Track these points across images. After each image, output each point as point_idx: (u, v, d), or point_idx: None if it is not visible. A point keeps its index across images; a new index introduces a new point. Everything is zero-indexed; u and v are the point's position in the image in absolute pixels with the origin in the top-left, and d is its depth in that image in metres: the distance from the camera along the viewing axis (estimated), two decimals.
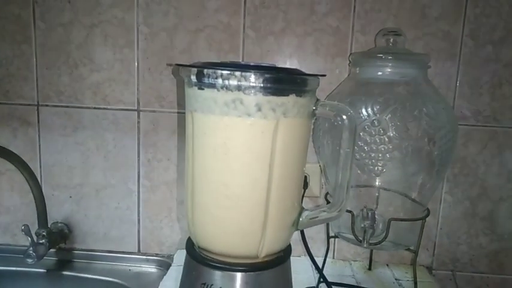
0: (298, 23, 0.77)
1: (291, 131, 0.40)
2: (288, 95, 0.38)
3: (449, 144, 0.61)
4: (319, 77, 0.43)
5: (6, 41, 0.81)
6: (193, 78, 0.39)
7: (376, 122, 0.59)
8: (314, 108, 0.42)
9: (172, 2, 0.78)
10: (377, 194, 0.66)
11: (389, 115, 0.58)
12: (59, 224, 0.87)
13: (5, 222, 0.88)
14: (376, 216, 0.61)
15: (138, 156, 0.83)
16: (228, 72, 0.37)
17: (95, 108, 0.82)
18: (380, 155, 0.59)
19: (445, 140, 0.60)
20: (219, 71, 0.37)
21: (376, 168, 0.60)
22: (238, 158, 0.39)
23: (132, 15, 0.79)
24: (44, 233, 0.80)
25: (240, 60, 0.79)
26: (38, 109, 0.83)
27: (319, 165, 0.77)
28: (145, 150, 0.83)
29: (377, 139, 0.58)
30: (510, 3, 0.75)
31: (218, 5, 0.77)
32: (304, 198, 0.77)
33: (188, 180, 0.43)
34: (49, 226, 0.84)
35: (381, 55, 0.63)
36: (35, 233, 0.80)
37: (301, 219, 0.44)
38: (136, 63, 0.80)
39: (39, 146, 0.84)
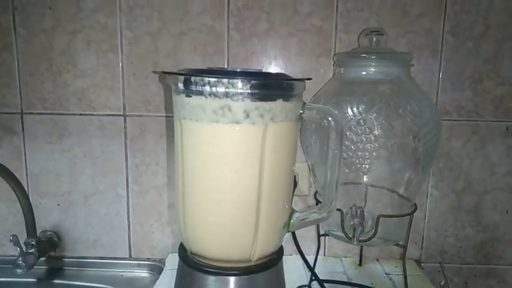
0: (281, 24, 0.78)
1: (280, 135, 0.40)
2: (275, 100, 0.39)
3: (434, 140, 0.62)
4: (306, 80, 0.43)
5: None
6: (181, 86, 0.39)
7: (361, 121, 0.60)
8: (301, 111, 0.42)
9: (156, 6, 0.77)
10: (365, 191, 0.67)
11: (375, 114, 0.59)
12: (48, 232, 0.86)
13: None
14: (365, 214, 0.62)
15: (126, 161, 0.83)
16: (216, 79, 0.37)
17: (80, 114, 0.81)
18: (367, 153, 0.60)
19: (430, 136, 0.61)
20: (207, 79, 0.37)
21: (363, 166, 0.61)
22: (228, 164, 0.39)
23: (115, 20, 0.78)
24: (33, 242, 0.79)
25: (225, 62, 0.79)
26: (22, 117, 0.82)
27: (308, 165, 0.78)
28: (133, 155, 0.83)
29: (363, 138, 0.59)
30: (488, 0, 0.76)
31: (202, 8, 0.77)
32: (294, 197, 0.78)
33: (179, 186, 0.43)
34: (38, 235, 0.84)
35: (364, 55, 0.63)
36: (24, 243, 0.79)
37: (292, 221, 0.45)
38: (120, 68, 0.80)
39: (25, 154, 0.83)
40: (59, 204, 0.85)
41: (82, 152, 0.83)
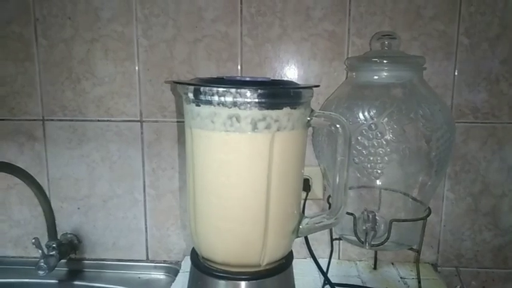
0: (294, 29, 0.78)
1: (287, 143, 0.41)
2: (282, 109, 0.40)
3: (447, 144, 0.62)
4: (313, 87, 0.44)
5: (9, 59, 0.83)
6: (191, 95, 0.41)
7: (373, 126, 0.60)
8: (309, 119, 0.43)
9: (171, 14, 0.79)
10: (379, 195, 0.67)
11: (386, 118, 0.59)
12: (69, 235, 0.89)
13: (16, 235, 0.90)
14: (377, 218, 0.62)
15: (143, 166, 0.85)
16: (224, 89, 0.38)
17: (98, 120, 0.84)
18: (378, 158, 0.60)
19: (442, 140, 0.60)
20: (215, 89, 0.39)
21: (375, 171, 0.61)
22: (237, 172, 0.40)
23: (132, 29, 0.80)
24: (54, 245, 0.82)
25: (239, 68, 0.80)
26: (43, 124, 0.85)
27: (320, 168, 0.78)
28: (150, 160, 0.84)
29: (375, 142, 0.59)
30: (504, 0, 0.75)
31: (215, 15, 0.79)
32: (307, 201, 0.79)
33: (190, 192, 0.44)
34: (59, 237, 0.86)
35: (376, 59, 0.64)
36: (45, 245, 0.82)
37: (301, 226, 0.45)
38: (137, 75, 0.82)
39: (46, 159, 0.86)
40: (78, 208, 0.88)
41: (100, 157, 0.85)
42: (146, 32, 0.80)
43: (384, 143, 0.59)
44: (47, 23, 0.81)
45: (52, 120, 0.84)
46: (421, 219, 0.64)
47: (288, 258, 0.47)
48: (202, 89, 0.39)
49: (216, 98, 0.39)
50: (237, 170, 0.40)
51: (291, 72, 0.80)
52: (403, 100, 0.61)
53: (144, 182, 0.85)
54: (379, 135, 0.59)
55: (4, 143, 0.86)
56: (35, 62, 0.83)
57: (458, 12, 0.76)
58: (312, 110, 0.44)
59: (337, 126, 0.42)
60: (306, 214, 0.63)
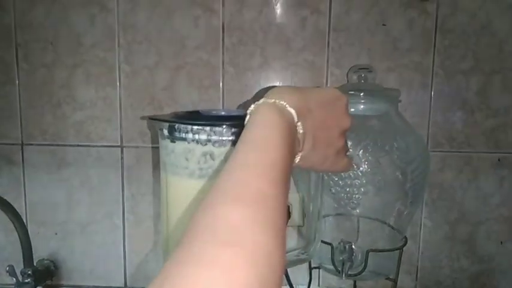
0: (275, 58, 0.80)
1: None
2: None
3: (421, 176, 0.63)
4: None
5: None
6: (165, 132, 0.41)
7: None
8: None
9: (153, 41, 0.80)
10: (356, 223, 0.67)
11: (362, 150, 0.60)
12: (45, 261, 0.87)
13: None
14: (354, 248, 0.62)
15: (123, 191, 0.84)
16: (198, 127, 0.39)
17: (78, 145, 0.83)
18: (355, 189, 0.61)
19: (417, 172, 0.62)
20: (190, 126, 0.39)
21: (351, 201, 0.62)
22: None
23: (114, 55, 0.81)
24: (29, 272, 0.80)
25: (220, 95, 0.81)
26: (22, 148, 0.84)
27: (299, 195, 0.79)
28: (129, 185, 0.84)
29: (351, 174, 0.60)
30: (477, 35, 0.78)
31: (197, 43, 0.80)
32: (287, 228, 0.79)
33: (163, 233, 0.44)
34: (35, 263, 0.85)
35: (352, 92, 0.65)
36: (21, 272, 0.80)
37: None
38: (118, 101, 0.82)
39: (24, 184, 0.85)
40: (56, 234, 0.86)
41: (79, 181, 0.84)
42: (128, 57, 0.81)
43: (360, 174, 0.60)
44: (29, 47, 0.81)
45: (31, 144, 0.84)
46: (397, 249, 0.64)
47: None
48: (177, 126, 0.40)
49: (190, 135, 0.39)
50: None
51: None
52: (379, 132, 0.62)
53: (123, 207, 0.85)
54: (355, 166, 0.60)
55: None
56: (16, 85, 0.82)
57: (433, 45, 0.78)
58: None
59: None
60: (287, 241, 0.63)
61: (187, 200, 0.42)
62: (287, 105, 0.35)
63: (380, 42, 0.79)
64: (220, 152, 0.39)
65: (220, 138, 0.39)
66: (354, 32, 0.78)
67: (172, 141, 0.41)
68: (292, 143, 0.34)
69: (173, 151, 0.41)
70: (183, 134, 0.39)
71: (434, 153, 0.80)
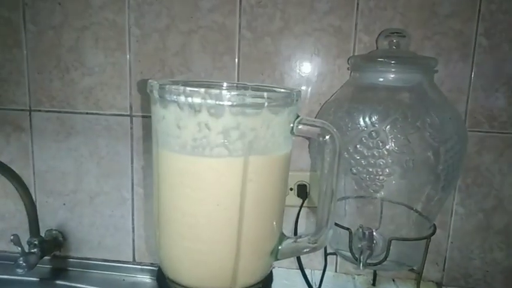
0: (297, 22, 0.72)
1: (266, 156, 0.36)
2: (259, 115, 0.34)
3: (457, 157, 0.55)
4: (300, 90, 0.38)
5: None
6: (156, 94, 0.35)
7: (374, 134, 0.54)
8: (292, 126, 0.37)
9: (164, 2, 0.74)
10: (380, 207, 0.61)
11: (389, 126, 0.53)
12: (53, 232, 0.85)
13: (1, 229, 0.87)
14: (375, 234, 0.56)
15: (132, 163, 0.80)
16: (192, 88, 0.33)
17: (87, 113, 0.79)
18: (379, 169, 0.54)
19: (452, 153, 0.54)
20: (182, 87, 0.33)
21: (374, 183, 0.55)
22: (204, 185, 0.35)
23: (124, 17, 0.75)
24: (35, 242, 0.78)
25: (236, 63, 0.74)
26: (30, 114, 0.81)
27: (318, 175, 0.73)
28: (139, 157, 0.80)
29: (375, 152, 0.53)
30: None
31: (212, 4, 0.73)
32: (303, 208, 0.73)
33: (154, 205, 0.39)
34: (43, 234, 0.83)
35: (382, 59, 0.57)
36: (27, 242, 0.78)
37: (280, 247, 0.40)
38: (128, 67, 0.77)
39: (32, 152, 0.82)
40: (64, 204, 0.84)
41: (88, 151, 0.81)
42: (138, 20, 0.75)
43: (385, 153, 0.53)
44: (36, 7, 0.77)
45: (39, 111, 0.80)
46: (424, 239, 0.57)
47: (266, 282, 0.42)
48: (168, 87, 0.34)
49: (182, 98, 0.33)
50: (205, 197, 0.35)
51: (291, 69, 0.74)
52: (410, 106, 0.55)
53: (132, 179, 0.81)
54: (380, 144, 0.53)
55: None
56: (23, 48, 0.78)
57: (477, 10, 0.69)
58: (298, 116, 0.38)
59: (326, 137, 0.36)
60: (300, 223, 0.57)
61: (178, 178, 0.36)
62: None
63: (416, 7, 0.69)
64: (217, 122, 0.33)
65: (217, 102, 0.33)
66: None
67: (163, 105, 0.35)
68: None
69: (164, 117, 0.36)
70: (175, 97, 0.34)
71: (471, 133, 0.71)
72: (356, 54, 0.71)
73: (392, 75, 0.57)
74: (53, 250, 0.84)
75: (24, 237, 0.78)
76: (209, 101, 0.33)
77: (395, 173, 0.54)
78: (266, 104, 0.34)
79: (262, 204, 0.37)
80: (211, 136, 0.34)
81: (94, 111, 0.79)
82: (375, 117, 0.54)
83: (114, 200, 0.82)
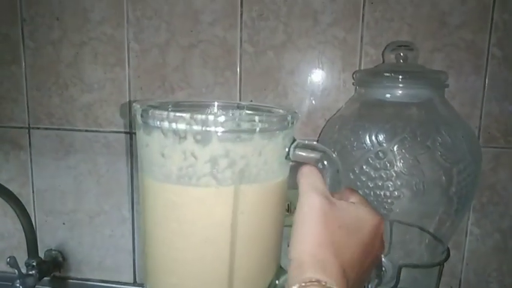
0: (300, 36, 0.70)
1: (257, 192, 0.33)
2: (250, 140, 0.31)
3: (470, 178, 0.52)
4: (297, 112, 0.35)
5: None
6: (139, 118, 0.33)
7: (381, 154, 0.50)
8: (287, 151, 0.34)
9: (164, 16, 0.72)
10: (390, 228, 0.57)
11: (397, 145, 0.50)
12: (53, 252, 0.83)
13: (0, 249, 0.85)
14: (384, 261, 0.53)
15: (131, 181, 0.78)
16: (176, 113, 0.30)
17: (86, 130, 0.77)
18: (387, 192, 0.50)
19: (465, 174, 0.51)
20: (165, 112, 0.31)
21: (382, 207, 0.51)
22: (191, 230, 0.32)
23: (122, 32, 0.73)
24: (33, 264, 0.76)
25: (238, 78, 0.72)
26: (29, 132, 0.79)
27: None
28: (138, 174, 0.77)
29: (382, 174, 0.50)
30: None
31: (213, 18, 0.71)
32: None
33: (140, 237, 0.37)
34: (43, 253, 0.81)
35: (389, 74, 0.54)
36: (25, 263, 0.76)
37: (278, 282, 0.37)
38: (127, 83, 0.75)
39: (31, 170, 0.80)
40: (64, 223, 0.82)
41: (87, 169, 0.79)
42: (138, 35, 0.73)
43: (394, 175, 0.50)
44: (35, 23, 0.75)
45: (38, 128, 0.79)
46: (437, 265, 0.54)
47: None
48: (151, 111, 0.32)
49: (166, 124, 0.31)
50: (191, 215, 0.32)
51: (295, 84, 0.71)
52: (419, 124, 0.51)
53: (132, 198, 0.79)
54: (388, 165, 0.50)
55: None
56: (22, 65, 0.77)
57: (490, 19, 0.65)
58: (294, 140, 0.35)
59: (325, 163, 0.33)
60: None
61: (163, 209, 0.33)
62: (333, 283, 0.30)
63: (424, 17, 0.66)
64: (203, 150, 0.31)
65: (203, 128, 0.30)
66: (394, 4, 0.67)
67: (147, 131, 0.33)
68: None
69: (147, 144, 0.33)
70: (158, 122, 0.31)
71: (486, 149, 0.67)
72: (362, 67, 0.68)
73: (400, 91, 0.54)
74: (52, 271, 0.81)
75: (24, 256, 0.76)
76: (195, 127, 0.30)
77: (404, 196, 0.50)
78: (258, 129, 0.31)
79: (256, 237, 0.34)
80: (198, 165, 0.31)
81: (93, 129, 0.77)
82: (382, 136, 0.51)
83: (114, 219, 0.80)
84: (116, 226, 0.80)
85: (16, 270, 0.72)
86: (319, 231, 0.32)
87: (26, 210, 0.74)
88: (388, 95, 0.54)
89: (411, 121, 0.52)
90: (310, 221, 0.32)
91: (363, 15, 0.68)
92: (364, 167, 0.51)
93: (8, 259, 0.71)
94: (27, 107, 0.78)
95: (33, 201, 0.82)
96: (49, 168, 0.80)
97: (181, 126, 0.30)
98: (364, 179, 0.51)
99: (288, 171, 0.36)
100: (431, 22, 0.66)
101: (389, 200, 0.51)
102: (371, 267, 0.37)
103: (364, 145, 0.51)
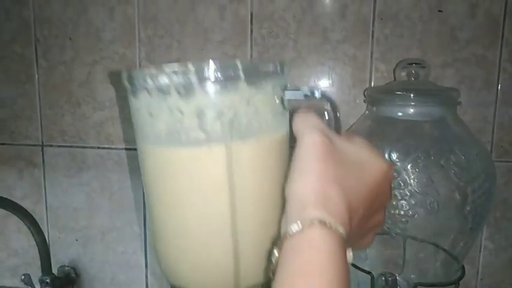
0: (310, 52, 0.70)
1: (252, 149, 0.32)
2: (236, 90, 0.30)
3: (485, 196, 0.51)
4: (285, 62, 0.35)
5: (10, 81, 0.79)
6: (127, 84, 0.34)
7: (394, 173, 0.50)
8: (281, 100, 0.33)
9: (175, 35, 0.73)
10: (402, 249, 0.57)
11: (410, 164, 0.50)
12: (66, 268, 0.83)
13: (14, 265, 0.86)
14: (398, 279, 0.52)
15: (143, 197, 0.78)
16: (157, 69, 0.31)
17: (98, 147, 0.78)
18: (401, 211, 0.50)
19: (479, 192, 0.50)
20: (147, 70, 0.31)
21: (396, 226, 0.51)
22: (188, 188, 0.32)
23: (134, 51, 0.74)
24: (47, 280, 0.77)
25: None
26: (42, 149, 0.80)
27: None
28: None
29: (396, 193, 0.50)
30: None
31: (223, 36, 0.72)
32: None
33: (147, 204, 0.37)
34: (56, 270, 0.81)
35: (400, 92, 0.54)
36: (39, 280, 0.77)
37: None
38: None
39: (45, 187, 0.81)
40: (77, 240, 0.82)
41: (100, 186, 0.79)
42: (149, 54, 0.74)
43: (408, 194, 0.50)
44: (48, 43, 0.77)
45: (51, 146, 0.80)
46: (452, 284, 0.53)
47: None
48: (135, 73, 0.32)
49: (150, 82, 0.31)
50: (187, 174, 0.32)
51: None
52: (432, 142, 0.51)
53: (144, 214, 0.79)
54: (402, 184, 0.50)
55: (4, 168, 0.82)
56: (35, 84, 0.78)
57: (500, 34, 0.65)
58: (286, 87, 0.34)
59: (326, 108, 0.33)
60: None
61: (160, 170, 0.33)
62: (342, 231, 0.27)
63: (435, 32, 0.67)
64: (188, 101, 0.30)
65: (185, 80, 0.30)
66: (403, 21, 0.67)
67: (135, 95, 0.33)
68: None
69: (137, 109, 0.34)
70: (142, 82, 0.31)
71: (499, 164, 0.67)
72: (373, 83, 0.68)
73: (412, 109, 0.54)
74: (65, 287, 0.82)
75: (37, 272, 0.76)
76: (176, 79, 0.30)
77: (418, 215, 0.50)
78: (242, 75, 0.31)
79: (257, 195, 0.33)
80: (185, 120, 0.31)
81: (105, 146, 0.78)
82: (395, 154, 0.51)
83: (127, 235, 0.80)
84: (128, 242, 0.80)
85: (30, 287, 0.73)
86: (321, 166, 0.28)
87: (39, 227, 0.75)
88: (400, 113, 0.55)
89: (424, 139, 0.52)
90: (311, 156, 0.29)
91: (373, 31, 0.68)
92: None
93: (23, 276, 0.72)
94: (41, 125, 0.79)
95: (47, 218, 0.82)
96: (62, 185, 0.81)
97: (164, 80, 0.30)
98: None
99: (288, 127, 0.35)
100: (442, 37, 0.66)
101: (403, 219, 0.51)
102: (376, 218, 0.33)
103: None
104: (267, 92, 0.32)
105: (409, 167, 0.50)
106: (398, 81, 0.61)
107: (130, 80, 0.33)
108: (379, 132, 0.56)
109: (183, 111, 0.31)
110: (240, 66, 0.30)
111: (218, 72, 0.30)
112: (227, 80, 0.30)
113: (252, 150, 0.32)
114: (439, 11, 0.66)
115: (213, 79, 0.30)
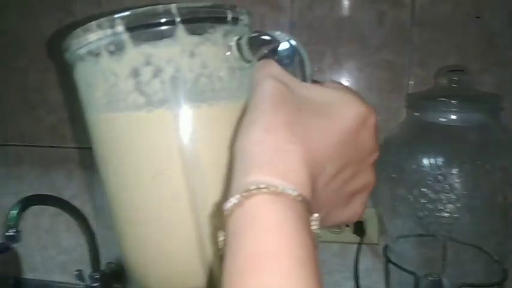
0: (348, 58, 0.72)
1: (207, 113, 0.26)
2: (174, 40, 0.25)
3: None
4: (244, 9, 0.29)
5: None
6: (65, 55, 0.30)
7: (440, 177, 0.52)
8: (236, 47, 0.27)
9: None
10: (443, 251, 0.58)
11: (457, 169, 0.52)
12: (112, 265, 0.87)
13: (63, 262, 0.91)
14: (443, 280, 0.54)
15: None
16: (84, 28, 0.27)
17: None
18: (447, 214, 0.52)
19: None
20: (74, 31, 0.27)
21: (441, 228, 0.53)
22: (133, 165, 0.28)
23: None
24: (96, 276, 0.81)
25: None
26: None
27: (375, 212, 0.71)
28: None
29: (442, 197, 0.52)
30: None
31: None
32: (362, 245, 0.72)
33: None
34: (104, 267, 0.85)
35: (443, 99, 0.56)
36: (89, 276, 0.81)
37: None
38: None
39: (95, 188, 0.85)
40: None
41: None
42: None
43: (454, 197, 0.52)
44: None
45: None
46: (496, 285, 0.55)
47: None
48: (68, 39, 0.28)
49: (81, 44, 0.27)
50: (129, 146, 0.28)
51: None
52: (477, 147, 0.53)
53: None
54: (448, 188, 0.52)
55: (54, 170, 0.86)
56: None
57: None
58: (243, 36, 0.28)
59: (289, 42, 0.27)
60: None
61: (102, 145, 0.30)
62: (297, 194, 0.21)
63: (473, 38, 0.68)
64: (120, 60, 0.26)
65: (110, 33, 0.25)
66: (442, 27, 0.68)
67: (73, 66, 0.29)
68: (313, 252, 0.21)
69: (77, 80, 0.30)
70: (73, 47, 0.28)
71: None
72: (411, 89, 0.70)
73: (454, 116, 0.56)
74: (113, 283, 0.86)
75: (85, 269, 0.81)
76: (103, 35, 0.25)
77: (464, 218, 0.52)
78: (177, 20, 0.25)
79: (216, 172, 0.27)
80: (120, 83, 0.26)
81: None
82: (441, 159, 0.53)
83: None
84: None
85: (82, 283, 0.77)
86: (269, 115, 0.24)
87: (90, 226, 0.79)
88: (442, 119, 0.56)
89: (468, 144, 0.53)
90: (260, 106, 0.25)
91: (411, 38, 0.70)
92: (424, 189, 0.53)
93: (77, 272, 0.76)
94: None
95: (95, 217, 0.87)
96: None
97: (91, 37, 0.26)
98: (424, 201, 0.53)
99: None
100: (480, 43, 0.68)
101: (449, 221, 0.53)
102: (361, 179, 0.28)
103: (423, 167, 0.53)
104: (217, 41, 0.27)
105: (455, 171, 0.52)
106: (439, 86, 0.63)
107: (65, 48, 0.29)
108: (422, 136, 0.58)
109: (117, 73, 0.26)
110: (174, 11, 0.25)
111: (149, 20, 0.25)
112: (161, 28, 0.25)
113: (205, 116, 0.27)
114: (477, 17, 0.67)
115: (143, 28, 0.25)
